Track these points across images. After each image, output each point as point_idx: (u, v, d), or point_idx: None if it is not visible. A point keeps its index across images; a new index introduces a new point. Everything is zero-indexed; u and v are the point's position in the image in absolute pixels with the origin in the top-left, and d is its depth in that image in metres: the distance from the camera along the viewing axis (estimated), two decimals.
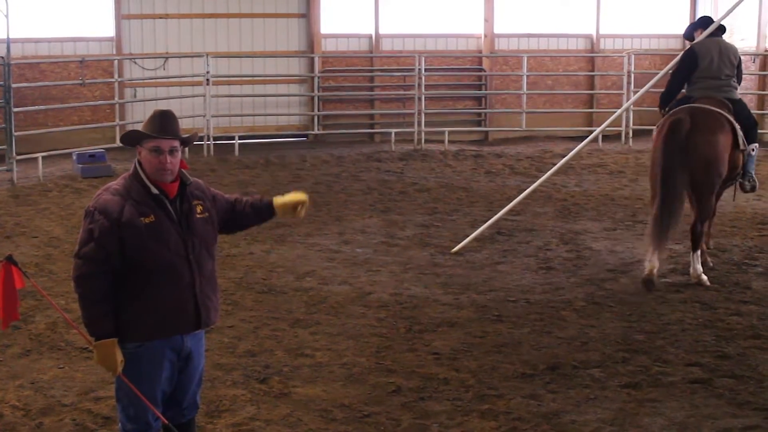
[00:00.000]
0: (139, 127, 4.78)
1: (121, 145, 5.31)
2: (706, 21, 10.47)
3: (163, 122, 4.69)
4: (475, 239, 11.20)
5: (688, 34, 10.63)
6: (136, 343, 4.69)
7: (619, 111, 11.80)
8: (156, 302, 4.64)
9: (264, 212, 5.14)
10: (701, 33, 10.22)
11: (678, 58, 10.44)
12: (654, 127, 10.19)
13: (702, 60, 10.00)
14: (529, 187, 11.97)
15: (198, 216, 4.80)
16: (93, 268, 4.59)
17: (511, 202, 11.99)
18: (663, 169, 9.34)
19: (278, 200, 5.09)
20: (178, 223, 4.72)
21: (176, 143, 4.70)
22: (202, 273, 4.77)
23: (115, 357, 4.63)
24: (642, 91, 12.08)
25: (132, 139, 4.75)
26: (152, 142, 4.66)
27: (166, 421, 4.82)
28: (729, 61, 10.08)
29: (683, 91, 10.24)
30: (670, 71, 10.61)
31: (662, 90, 10.38)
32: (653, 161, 9.70)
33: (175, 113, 4.84)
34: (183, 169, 4.80)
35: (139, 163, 4.75)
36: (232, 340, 7.75)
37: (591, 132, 20.82)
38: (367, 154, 18.65)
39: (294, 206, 5.08)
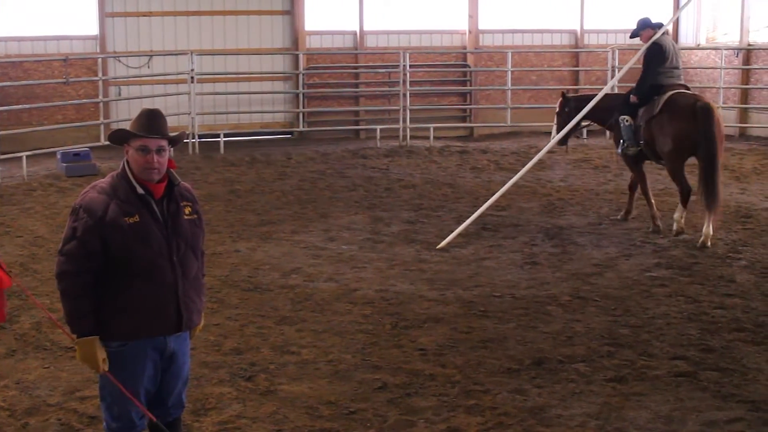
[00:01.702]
0: (125, 125, 4.77)
1: (106, 143, 5.31)
2: (647, 22, 11.86)
3: (151, 121, 4.68)
4: (461, 235, 11.22)
5: (636, 33, 11.93)
6: (119, 342, 4.68)
7: (581, 114, 12.11)
8: (137, 302, 4.63)
9: None
10: (651, 32, 11.65)
11: (644, 53, 11.71)
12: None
13: (667, 53, 11.55)
14: (510, 181, 12.11)
15: (186, 217, 4.78)
16: (75, 266, 4.58)
17: (495, 197, 12.09)
18: (713, 142, 10.73)
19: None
20: (164, 224, 4.70)
21: (164, 143, 4.69)
22: (185, 275, 4.76)
23: (96, 354, 4.62)
24: (603, 91, 12.42)
25: (119, 137, 4.74)
26: (139, 141, 4.64)
27: (153, 418, 4.80)
28: (679, 55, 11.90)
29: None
30: (639, 64, 11.88)
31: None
32: (683, 138, 11.00)
33: (162, 112, 4.83)
34: (171, 169, 4.79)
35: (127, 162, 4.73)
36: (218, 337, 7.74)
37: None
38: (353, 150, 18.65)
39: None
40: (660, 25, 11.80)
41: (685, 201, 11.25)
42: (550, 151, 13.49)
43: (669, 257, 10.33)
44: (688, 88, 11.83)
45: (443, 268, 10.08)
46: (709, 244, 10.69)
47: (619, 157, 12.38)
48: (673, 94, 11.33)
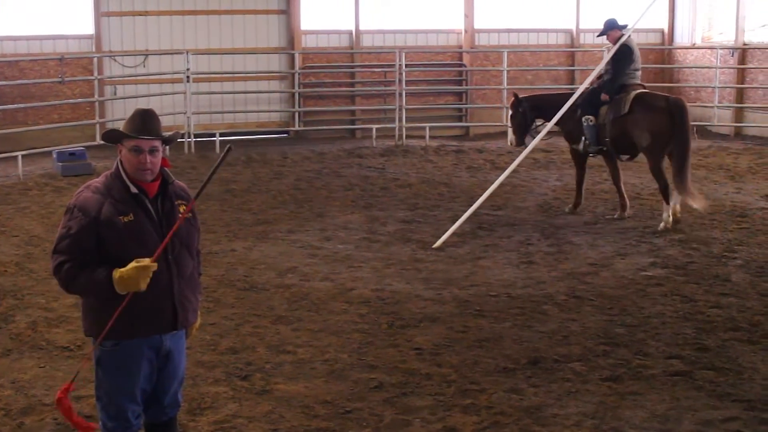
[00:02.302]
0: (121, 124, 4.76)
1: (101, 143, 5.30)
2: (614, 23, 12.47)
3: (144, 122, 4.67)
4: (456, 234, 11.23)
5: (604, 33, 12.54)
6: (113, 341, 4.67)
7: (542, 134, 12.48)
8: (132, 301, 4.60)
9: None
10: (618, 33, 12.31)
11: (615, 54, 12.11)
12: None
13: (634, 55, 12.24)
14: (498, 179, 12.24)
15: (180, 216, 4.78)
16: (69, 257, 4.55)
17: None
18: (687, 135, 11.51)
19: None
20: (159, 222, 4.70)
21: (157, 143, 4.68)
22: (181, 273, 4.76)
23: (134, 268, 4.46)
24: (575, 95, 12.54)
25: (112, 138, 4.73)
26: (132, 142, 4.63)
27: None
28: (639, 56, 12.44)
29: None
30: (609, 63, 12.27)
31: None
32: (662, 133, 11.64)
33: (155, 111, 4.82)
34: (165, 168, 4.78)
35: (121, 162, 4.73)
36: (214, 337, 7.74)
37: None
38: (349, 150, 18.65)
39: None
40: (625, 26, 12.41)
41: (667, 197, 11.71)
42: (511, 151, 14.17)
43: (664, 256, 10.34)
44: (645, 88, 12.55)
45: (439, 267, 10.08)
46: (669, 227, 11.57)
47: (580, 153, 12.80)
48: (639, 93, 12.01)
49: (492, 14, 22.00)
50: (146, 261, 4.48)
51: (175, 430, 5.10)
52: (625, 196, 12.57)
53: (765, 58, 20.45)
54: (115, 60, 19.39)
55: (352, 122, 21.31)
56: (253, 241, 11.24)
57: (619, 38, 12.21)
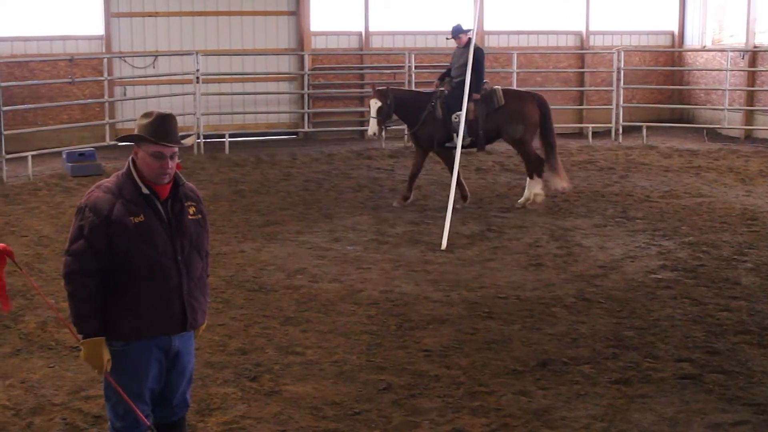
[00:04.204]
0: (131, 125, 4.75)
1: (111, 143, 5.30)
2: (461, 28, 13.52)
3: (167, 128, 4.66)
4: (465, 236, 11.24)
5: (455, 36, 13.51)
6: (123, 341, 4.68)
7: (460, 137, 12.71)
8: (142, 302, 4.63)
9: None
10: (465, 36, 13.32)
11: (478, 54, 12.87)
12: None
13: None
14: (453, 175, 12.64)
15: (190, 217, 4.78)
16: (82, 266, 4.58)
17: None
18: (551, 124, 13.29)
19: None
20: (168, 223, 4.70)
21: (177, 148, 4.70)
22: (190, 275, 4.76)
23: (102, 355, 4.63)
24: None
25: (133, 141, 4.71)
26: (154, 147, 4.63)
27: (147, 422, 4.78)
28: None
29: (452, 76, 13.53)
30: (465, 66, 12.63)
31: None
32: (535, 123, 13.24)
33: (174, 116, 4.81)
34: (177, 170, 4.79)
35: (133, 162, 4.72)
36: (223, 338, 7.74)
37: (582, 128, 21.02)
38: (357, 151, 18.65)
39: None
40: (470, 30, 13.19)
41: (540, 172, 13.19)
42: (370, 140, 15.05)
43: (674, 259, 10.32)
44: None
45: (448, 269, 10.07)
46: (530, 205, 13.06)
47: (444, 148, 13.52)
48: (504, 89, 13.69)
49: (502, 16, 21.96)
50: (104, 366, 4.66)
51: (184, 431, 5.11)
52: (465, 185, 13.46)
53: None
54: (125, 61, 19.42)
55: (361, 123, 21.27)
56: (262, 242, 11.25)
57: (468, 41, 13.00)
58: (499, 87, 13.62)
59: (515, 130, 13.21)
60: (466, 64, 12.42)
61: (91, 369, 5.09)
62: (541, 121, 13.20)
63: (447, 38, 14.02)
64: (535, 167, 13.23)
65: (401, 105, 13.63)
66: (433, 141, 13.37)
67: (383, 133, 14.62)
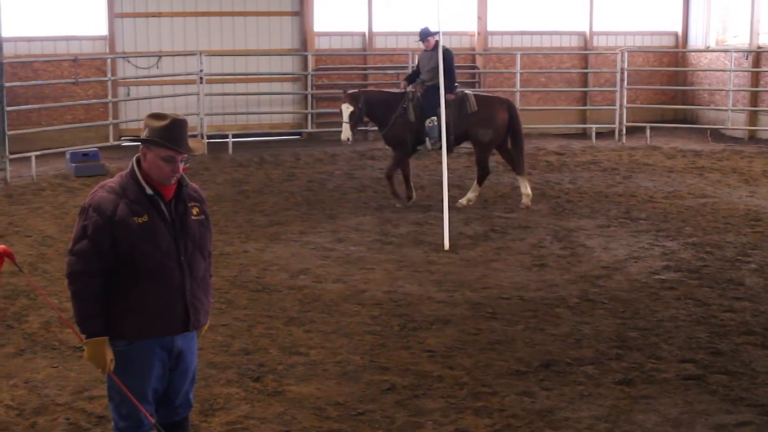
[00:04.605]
0: (134, 126, 4.76)
1: (115, 143, 5.31)
2: (428, 30, 13.68)
3: (182, 134, 4.65)
4: (469, 237, 11.24)
5: (424, 39, 13.70)
6: (126, 341, 4.69)
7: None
8: (145, 302, 4.63)
9: None
10: (433, 39, 13.45)
11: (448, 56, 13.06)
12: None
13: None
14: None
15: (193, 218, 4.79)
16: (86, 266, 4.59)
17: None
18: (521, 128, 13.59)
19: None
20: (172, 224, 4.71)
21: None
22: (193, 275, 4.76)
23: (105, 355, 4.64)
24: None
25: (147, 143, 4.68)
26: (167, 152, 4.63)
27: (153, 420, 4.80)
28: None
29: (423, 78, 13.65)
30: (436, 69, 12.68)
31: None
32: (504, 129, 13.53)
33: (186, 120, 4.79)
34: (182, 172, 4.80)
35: (137, 162, 4.72)
36: (226, 338, 7.74)
37: (585, 129, 21.02)
38: (361, 152, 18.64)
39: None
40: (437, 33, 13.15)
41: (482, 181, 13.61)
42: (345, 144, 14.55)
43: (678, 260, 10.31)
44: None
45: (451, 269, 10.07)
46: (530, 203, 13.22)
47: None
48: (476, 93, 13.98)
49: (505, 16, 21.94)
50: (107, 366, 4.66)
51: (187, 431, 5.12)
52: (413, 187, 13.81)
53: None
54: (128, 61, 19.42)
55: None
56: (266, 243, 11.25)
57: (437, 43, 13.05)
58: (471, 92, 13.87)
59: (485, 134, 13.50)
60: (436, 68, 12.50)
61: (94, 369, 5.10)
62: (510, 125, 13.49)
63: (416, 41, 14.17)
64: (484, 175, 13.68)
65: (372, 107, 13.72)
66: (403, 143, 13.52)
67: (357, 135, 14.68)
